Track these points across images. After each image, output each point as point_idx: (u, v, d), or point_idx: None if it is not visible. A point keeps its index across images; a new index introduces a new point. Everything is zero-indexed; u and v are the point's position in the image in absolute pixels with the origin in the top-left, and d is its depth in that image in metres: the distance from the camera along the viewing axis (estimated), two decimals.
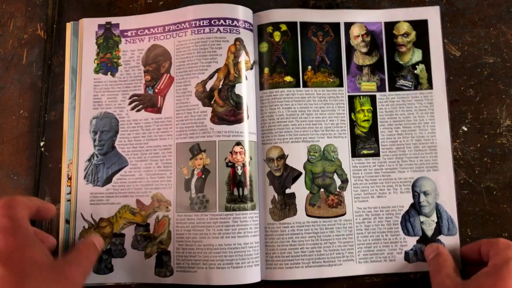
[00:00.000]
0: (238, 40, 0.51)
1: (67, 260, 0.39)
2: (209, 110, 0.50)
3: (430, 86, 0.52)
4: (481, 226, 0.49)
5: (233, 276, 0.47)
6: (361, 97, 0.52)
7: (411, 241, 0.49)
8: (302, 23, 0.53)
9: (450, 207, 0.50)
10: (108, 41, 0.54)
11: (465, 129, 0.52)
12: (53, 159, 0.52)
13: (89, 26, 0.54)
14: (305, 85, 0.52)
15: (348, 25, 0.53)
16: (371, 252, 0.49)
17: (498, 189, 0.50)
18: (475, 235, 0.49)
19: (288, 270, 0.48)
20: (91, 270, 0.42)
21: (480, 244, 0.45)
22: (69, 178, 0.51)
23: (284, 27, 0.52)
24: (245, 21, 0.52)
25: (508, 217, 0.50)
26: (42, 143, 0.53)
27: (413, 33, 0.53)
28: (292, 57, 0.52)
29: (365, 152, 0.51)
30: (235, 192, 0.48)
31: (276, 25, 0.52)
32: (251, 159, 0.49)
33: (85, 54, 0.53)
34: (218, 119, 0.50)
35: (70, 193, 0.50)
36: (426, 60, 0.52)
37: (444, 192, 0.50)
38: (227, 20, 0.51)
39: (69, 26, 0.54)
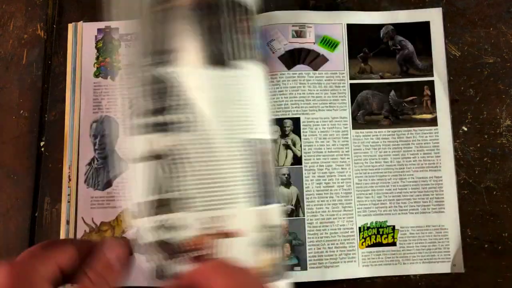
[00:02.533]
0: None
1: None
2: None
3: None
4: (481, 226, 0.50)
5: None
6: None
7: None
8: None
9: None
10: (107, 45, 0.54)
11: (465, 129, 0.52)
12: (53, 159, 0.52)
13: (89, 30, 0.54)
14: None
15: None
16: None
17: (498, 189, 0.50)
18: (475, 235, 0.49)
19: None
20: None
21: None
22: (70, 179, 0.51)
23: None
24: None
25: (508, 217, 0.50)
26: (42, 143, 0.53)
27: None
28: None
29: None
30: None
31: None
32: None
33: (84, 58, 0.54)
34: None
35: (70, 194, 0.50)
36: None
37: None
38: None
39: (70, 27, 0.54)
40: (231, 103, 0.39)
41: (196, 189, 0.37)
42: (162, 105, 0.37)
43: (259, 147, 0.41)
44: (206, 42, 0.39)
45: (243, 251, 0.37)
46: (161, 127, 0.37)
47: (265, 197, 0.40)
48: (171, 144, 0.37)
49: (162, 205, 0.36)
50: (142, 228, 0.36)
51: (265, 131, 0.42)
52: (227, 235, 0.37)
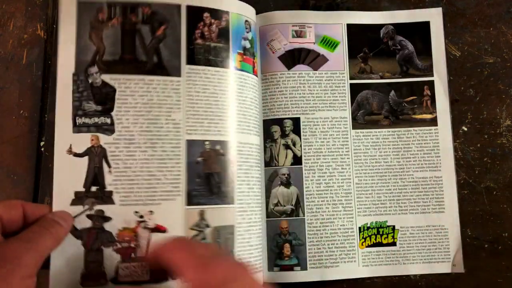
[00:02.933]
0: None
1: (18, 239, 0.33)
2: None
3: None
4: (481, 226, 0.50)
5: None
6: None
7: None
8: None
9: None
10: None
11: (465, 129, 0.52)
12: (53, 159, 0.52)
13: None
14: None
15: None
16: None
17: (498, 189, 0.50)
18: (475, 235, 0.49)
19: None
20: (50, 252, 0.37)
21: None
22: None
23: None
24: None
25: (508, 217, 0.50)
26: (42, 143, 0.53)
27: None
28: None
29: None
30: None
31: None
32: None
33: None
34: None
35: None
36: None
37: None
38: None
39: None
40: (160, 107, 0.45)
41: (126, 184, 0.43)
42: (101, 108, 0.44)
43: (198, 149, 0.45)
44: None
45: None
46: (99, 127, 0.44)
47: (199, 197, 0.44)
48: (103, 143, 0.44)
49: (96, 196, 0.43)
50: (80, 214, 0.42)
51: (213, 133, 0.45)
52: (152, 230, 0.43)
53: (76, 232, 0.41)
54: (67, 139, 0.43)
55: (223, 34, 0.47)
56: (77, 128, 0.44)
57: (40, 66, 0.54)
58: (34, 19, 0.56)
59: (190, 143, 0.45)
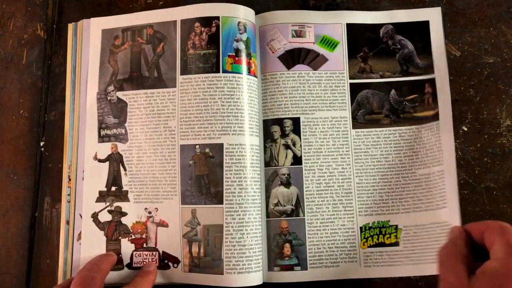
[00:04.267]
0: None
1: (132, 286, 0.44)
2: None
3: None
4: None
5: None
6: None
7: None
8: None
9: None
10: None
11: (465, 129, 0.52)
12: (53, 159, 0.52)
13: (87, 29, 0.54)
14: None
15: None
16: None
17: (498, 189, 0.50)
18: None
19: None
20: None
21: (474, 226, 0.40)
22: (70, 179, 0.51)
23: None
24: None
25: (508, 217, 0.50)
26: (42, 143, 0.53)
27: None
28: None
29: None
30: None
31: None
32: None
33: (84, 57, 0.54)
34: None
35: (70, 194, 0.50)
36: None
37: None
38: None
39: (70, 27, 0.54)
40: (159, 116, 0.50)
41: (138, 184, 0.50)
42: (118, 120, 0.51)
43: (190, 152, 0.49)
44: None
45: (169, 240, 0.48)
46: (117, 137, 0.51)
47: (190, 197, 0.48)
48: (120, 150, 0.51)
49: (115, 195, 0.50)
50: (103, 210, 0.50)
51: (203, 137, 0.49)
52: (157, 224, 0.49)
53: (100, 225, 0.49)
54: (94, 148, 0.51)
55: (213, 39, 0.50)
56: (101, 138, 0.51)
57: (40, 66, 0.54)
58: (34, 19, 0.56)
59: (183, 148, 0.49)
